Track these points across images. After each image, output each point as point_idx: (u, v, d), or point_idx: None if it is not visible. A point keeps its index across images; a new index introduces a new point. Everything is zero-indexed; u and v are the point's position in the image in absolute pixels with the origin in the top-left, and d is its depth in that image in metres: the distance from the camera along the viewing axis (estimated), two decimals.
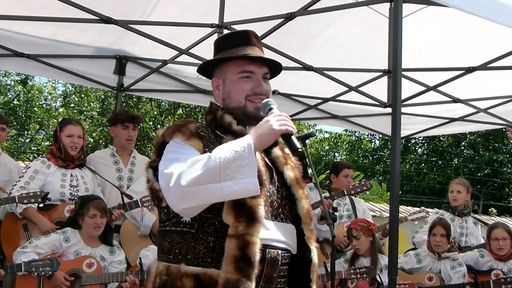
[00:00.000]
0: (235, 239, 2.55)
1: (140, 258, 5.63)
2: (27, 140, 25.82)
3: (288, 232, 2.79)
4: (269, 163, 2.88)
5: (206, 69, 3.06)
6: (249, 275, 2.52)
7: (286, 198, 2.85)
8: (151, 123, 24.52)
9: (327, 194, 7.49)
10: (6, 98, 26.03)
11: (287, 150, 2.98)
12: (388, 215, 11.73)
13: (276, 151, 2.93)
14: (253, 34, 3.02)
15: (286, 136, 2.58)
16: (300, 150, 2.56)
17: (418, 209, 9.49)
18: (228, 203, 2.59)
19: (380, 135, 11.26)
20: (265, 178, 2.68)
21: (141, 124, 7.02)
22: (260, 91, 2.87)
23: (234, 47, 2.96)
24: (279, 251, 2.71)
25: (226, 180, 2.46)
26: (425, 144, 30.88)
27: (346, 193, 7.19)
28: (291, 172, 2.88)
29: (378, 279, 6.09)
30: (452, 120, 9.05)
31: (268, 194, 2.74)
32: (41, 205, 5.87)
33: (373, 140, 32.47)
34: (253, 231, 2.56)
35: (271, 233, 2.69)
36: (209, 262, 2.60)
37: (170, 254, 2.72)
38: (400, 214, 5.97)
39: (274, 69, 3.04)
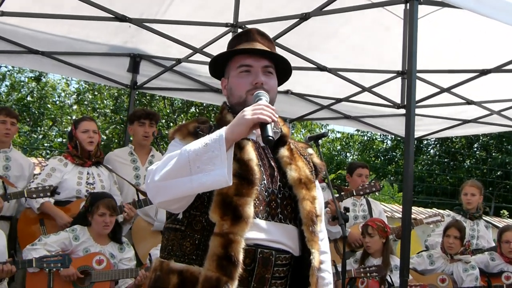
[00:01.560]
0: (219, 237, 2.53)
1: (150, 255, 5.64)
2: (40, 137, 25.92)
3: (287, 233, 2.74)
4: (273, 163, 2.85)
5: (218, 71, 3.05)
6: (231, 274, 2.49)
7: (289, 198, 2.80)
8: (164, 121, 24.56)
9: (336, 194, 7.46)
10: (20, 95, 26.17)
11: (296, 150, 2.97)
12: (399, 215, 11.73)
13: (283, 151, 2.88)
14: (256, 31, 3.01)
15: (262, 125, 2.53)
16: (269, 138, 2.50)
17: (433, 211, 9.46)
18: (215, 201, 2.59)
19: (392, 136, 11.23)
20: (257, 177, 2.64)
21: (158, 121, 7.01)
22: (257, 83, 2.82)
23: (236, 45, 2.97)
24: (273, 252, 2.67)
25: (197, 173, 2.46)
26: (437, 145, 30.79)
27: (355, 193, 7.14)
28: (294, 172, 2.81)
29: (389, 280, 6.08)
30: (465, 121, 9.03)
31: (266, 193, 2.71)
32: (51, 199, 5.87)
33: (385, 141, 32.41)
34: (237, 230, 2.53)
35: (265, 233, 2.66)
36: (193, 260, 2.60)
37: (165, 250, 2.75)
38: (412, 215, 5.95)
39: (282, 65, 2.98)
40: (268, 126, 2.52)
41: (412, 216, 7.49)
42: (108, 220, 5.58)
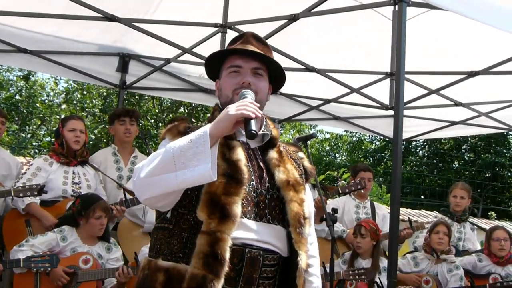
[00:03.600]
0: (206, 236, 2.54)
1: (135, 253, 5.61)
2: (28, 136, 25.84)
3: (275, 234, 2.75)
4: (262, 165, 2.86)
5: (214, 74, 3.06)
6: (217, 272, 2.50)
7: (277, 199, 2.81)
8: (153, 121, 24.54)
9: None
10: (8, 93, 26.06)
11: (286, 153, 2.99)
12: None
13: (272, 153, 2.90)
14: (251, 34, 3.03)
15: (245, 121, 2.55)
16: (251, 132, 2.51)
17: (423, 212, 9.45)
18: (203, 200, 2.60)
19: (381, 137, 11.27)
20: (245, 177, 2.65)
21: (139, 118, 7.00)
22: (243, 83, 2.83)
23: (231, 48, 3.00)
24: (261, 252, 2.68)
25: (181, 169, 2.48)
26: (426, 147, 30.89)
27: (340, 192, 7.10)
28: (282, 174, 2.82)
29: (379, 282, 6.10)
30: (453, 123, 9.07)
31: (254, 194, 2.73)
32: (37, 199, 5.84)
33: (374, 141, 32.50)
34: (224, 228, 2.54)
35: (253, 233, 2.67)
36: (180, 257, 2.61)
37: (153, 249, 2.76)
38: (414, 218, 5.96)
39: (276, 70, 2.98)
40: (252, 121, 2.54)
41: (414, 218, 7.49)
42: (104, 223, 5.59)
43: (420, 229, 7.32)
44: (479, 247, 7.62)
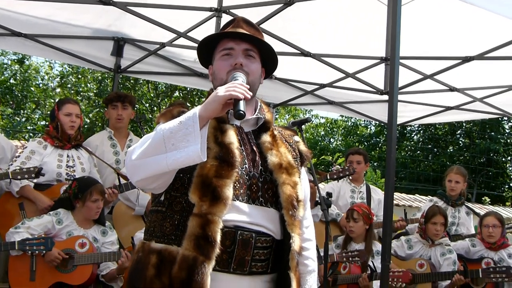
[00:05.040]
0: (198, 218, 2.56)
1: (132, 238, 5.64)
2: (23, 119, 25.81)
3: (268, 216, 2.77)
4: (255, 148, 2.87)
5: (207, 60, 3.07)
6: (208, 254, 2.52)
7: (270, 183, 2.82)
8: (148, 105, 24.53)
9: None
10: (2, 77, 26.00)
11: (281, 136, 3.01)
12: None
13: (265, 136, 2.91)
14: (241, 19, 3.04)
15: (235, 102, 2.56)
16: (239, 112, 2.53)
17: (416, 197, 9.45)
18: (195, 182, 2.62)
19: (376, 122, 11.31)
20: (237, 160, 2.67)
21: (133, 103, 6.98)
22: (235, 64, 2.85)
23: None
24: (253, 234, 2.69)
25: (171, 150, 2.50)
26: (421, 132, 30.95)
27: (328, 178, 7.07)
28: (275, 157, 2.84)
29: (371, 265, 6.12)
30: (448, 108, 9.08)
31: (247, 177, 2.75)
32: (34, 180, 5.85)
33: (369, 126, 32.54)
34: (215, 211, 2.56)
35: (245, 215, 2.69)
36: (172, 240, 2.63)
37: (147, 232, 2.79)
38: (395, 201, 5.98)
39: (267, 53, 3.00)
40: (241, 102, 2.55)
41: (409, 203, 7.49)
42: (100, 206, 5.60)
43: (415, 222, 7.33)
44: (473, 232, 7.65)
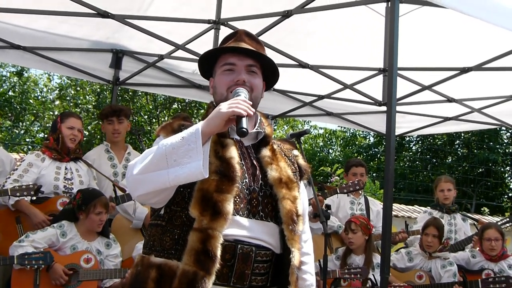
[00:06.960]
0: (198, 233, 2.56)
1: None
2: (22, 132, 25.80)
3: (268, 231, 2.77)
4: (255, 163, 2.87)
5: (208, 72, 3.07)
6: (208, 269, 2.51)
7: (270, 197, 2.83)
8: (146, 117, 24.54)
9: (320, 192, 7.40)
10: (1, 89, 26.02)
11: (280, 150, 3.01)
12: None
13: (264, 151, 2.91)
14: (244, 32, 3.04)
15: (237, 119, 2.56)
16: (242, 129, 2.52)
17: (416, 208, 9.45)
18: (196, 197, 2.62)
19: (375, 132, 11.34)
20: (237, 175, 2.67)
21: (129, 114, 6.99)
22: (238, 80, 2.84)
23: (224, 46, 3.00)
24: (253, 248, 2.69)
25: (173, 166, 2.49)
26: (420, 142, 30.95)
27: (338, 192, 7.08)
28: (274, 172, 2.84)
29: (373, 279, 6.12)
30: (446, 119, 9.10)
31: (247, 191, 2.75)
32: (34, 198, 5.85)
33: (368, 137, 32.54)
34: (216, 226, 2.56)
35: (245, 229, 2.69)
36: (172, 254, 2.62)
37: (147, 246, 2.78)
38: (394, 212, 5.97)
39: (269, 67, 2.99)
40: (243, 119, 2.55)
41: (408, 214, 7.45)
42: (104, 218, 5.59)
43: (416, 234, 7.32)
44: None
